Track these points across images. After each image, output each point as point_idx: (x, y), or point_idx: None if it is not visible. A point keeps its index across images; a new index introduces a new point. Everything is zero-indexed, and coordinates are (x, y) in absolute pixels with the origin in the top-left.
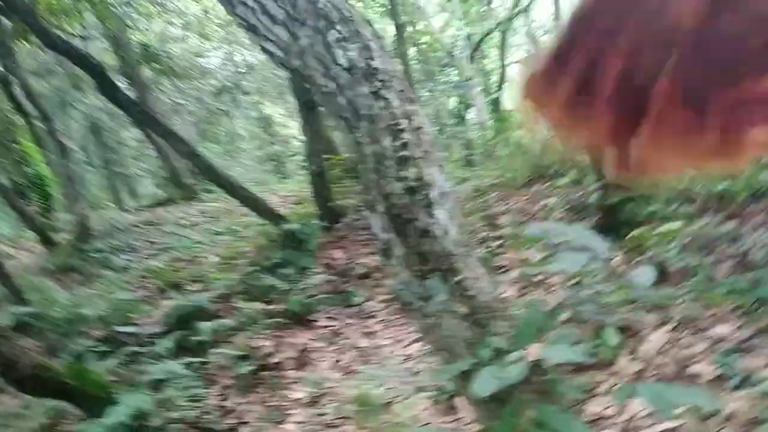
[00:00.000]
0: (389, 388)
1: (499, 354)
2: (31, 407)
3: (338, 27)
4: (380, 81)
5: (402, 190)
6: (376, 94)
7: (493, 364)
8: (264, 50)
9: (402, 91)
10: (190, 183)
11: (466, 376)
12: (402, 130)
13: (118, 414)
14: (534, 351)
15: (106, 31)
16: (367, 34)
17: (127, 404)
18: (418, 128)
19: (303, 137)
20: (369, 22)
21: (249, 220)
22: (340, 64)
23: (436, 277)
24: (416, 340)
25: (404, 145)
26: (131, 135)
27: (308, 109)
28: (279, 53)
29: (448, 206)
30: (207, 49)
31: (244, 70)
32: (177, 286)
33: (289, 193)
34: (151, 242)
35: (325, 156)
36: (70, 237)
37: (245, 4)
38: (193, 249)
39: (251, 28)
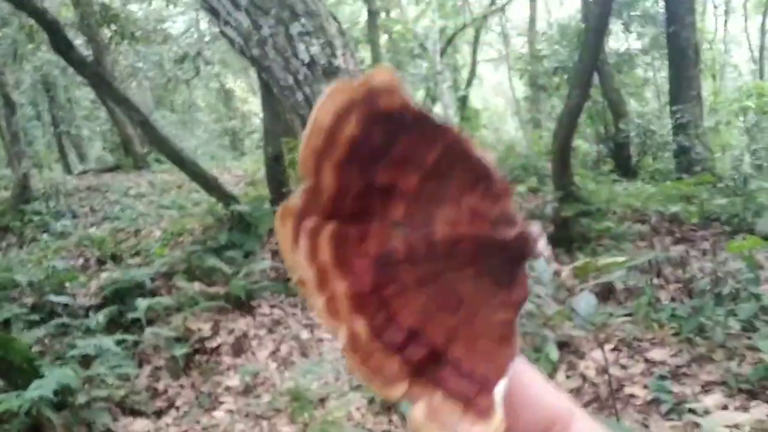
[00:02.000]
0: (325, 384)
1: None
2: None
3: (303, 20)
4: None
5: None
6: None
7: None
8: (224, 35)
9: None
10: (140, 152)
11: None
12: None
13: (43, 388)
14: None
15: None
16: (332, 30)
17: (53, 378)
18: None
19: (262, 117)
20: (335, 18)
21: (198, 197)
22: (300, 59)
23: None
24: None
25: None
26: (84, 95)
27: (270, 90)
28: (239, 40)
29: None
30: (171, 13)
31: (208, 39)
32: (116, 258)
33: (243, 172)
34: (94, 209)
35: (284, 139)
36: (8, 195)
37: None
38: (137, 221)
39: (212, 11)
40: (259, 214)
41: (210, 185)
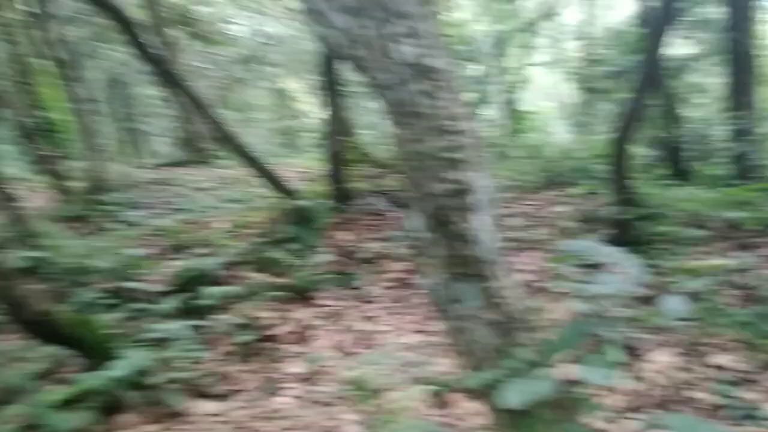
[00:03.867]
0: (386, 375)
1: (529, 366)
2: (33, 350)
3: (401, 20)
4: (435, 80)
5: (443, 191)
6: (428, 93)
7: (522, 376)
8: (320, 35)
9: (454, 92)
10: (205, 147)
11: (492, 382)
12: (449, 132)
13: (120, 368)
14: (566, 369)
15: None
16: (430, 30)
17: (129, 359)
18: (466, 131)
19: (323, 116)
20: (433, 18)
21: (260, 192)
22: (400, 59)
23: (469, 282)
24: (418, 331)
25: (450, 147)
26: (150, 92)
27: (331, 89)
28: (338, 40)
29: (490, 212)
30: (235, 16)
31: (270, 42)
32: (185, 248)
33: (301, 169)
34: (163, 201)
35: (342, 137)
36: (85, 186)
37: None
38: (203, 213)
39: (313, 11)
40: (319, 209)
41: (273, 180)
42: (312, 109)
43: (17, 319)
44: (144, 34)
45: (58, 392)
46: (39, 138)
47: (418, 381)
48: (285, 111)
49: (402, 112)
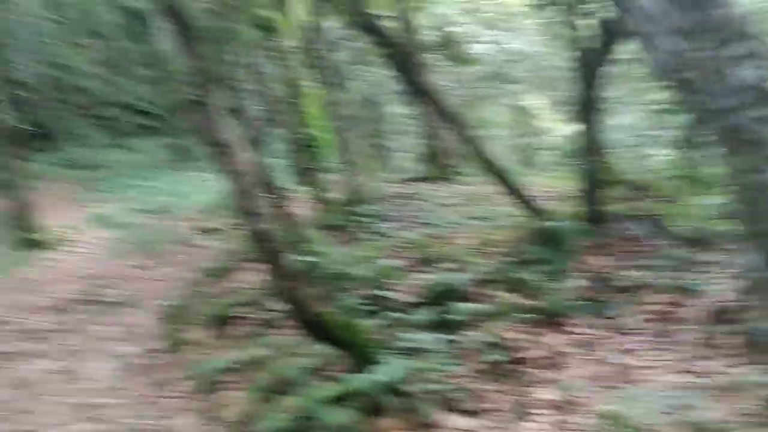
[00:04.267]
0: (649, 414)
1: None
2: (305, 347)
3: (741, 41)
4: None
5: None
6: (765, 120)
7: None
8: (649, 58)
9: None
10: (448, 163)
11: None
12: None
13: (382, 373)
14: None
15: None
16: (764, 54)
17: (390, 366)
18: None
19: (572, 133)
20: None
21: (506, 210)
22: (734, 82)
23: None
24: (685, 371)
25: None
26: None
27: (587, 106)
28: (664, 62)
29: None
30: (481, 34)
31: (513, 59)
32: (431, 261)
33: (544, 187)
34: (409, 215)
35: (596, 156)
36: (342, 198)
37: (644, 13)
38: (448, 228)
39: (643, 35)
40: (570, 231)
41: (522, 199)
42: (555, 126)
43: (297, 318)
44: (405, 55)
45: (327, 389)
46: (304, 153)
47: (686, 425)
48: (525, 128)
49: (737, 139)
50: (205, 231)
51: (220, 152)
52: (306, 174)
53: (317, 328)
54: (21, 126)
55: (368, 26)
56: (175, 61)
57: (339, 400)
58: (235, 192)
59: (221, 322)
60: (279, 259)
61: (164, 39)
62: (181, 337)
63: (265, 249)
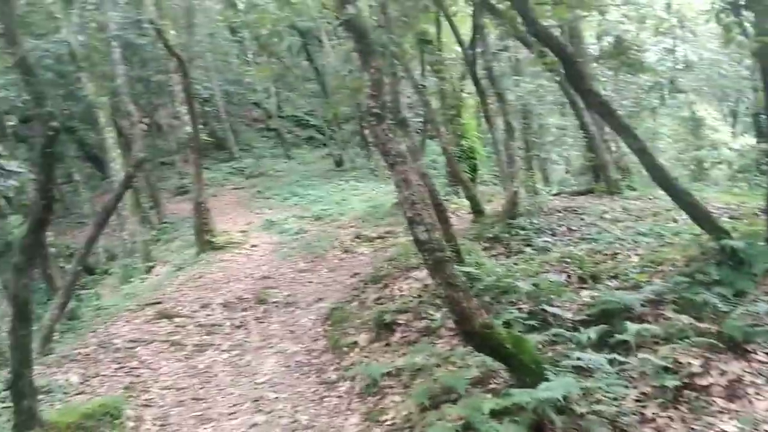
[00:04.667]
0: None
1: None
2: (466, 358)
3: None
4: None
5: None
6: None
7: None
8: None
9: None
10: (614, 177)
11: None
12: None
13: (551, 390)
14: None
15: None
16: None
17: (557, 383)
18: None
19: (757, 148)
20: None
21: (677, 227)
22: None
23: None
24: None
25: None
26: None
27: None
28: None
29: None
30: (651, 41)
31: (682, 67)
32: (595, 278)
33: (719, 204)
34: (571, 229)
35: None
36: (499, 210)
37: None
38: (613, 244)
39: None
40: (755, 252)
41: (699, 215)
42: (730, 139)
43: (461, 328)
44: (573, 64)
45: (491, 401)
46: (461, 164)
47: None
48: (697, 140)
49: None
50: (363, 238)
51: (392, 162)
52: (463, 185)
53: (481, 340)
54: (203, 137)
55: (537, 34)
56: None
57: (502, 413)
58: (404, 201)
59: (381, 327)
60: (445, 268)
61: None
62: (341, 340)
63: (431, 258)
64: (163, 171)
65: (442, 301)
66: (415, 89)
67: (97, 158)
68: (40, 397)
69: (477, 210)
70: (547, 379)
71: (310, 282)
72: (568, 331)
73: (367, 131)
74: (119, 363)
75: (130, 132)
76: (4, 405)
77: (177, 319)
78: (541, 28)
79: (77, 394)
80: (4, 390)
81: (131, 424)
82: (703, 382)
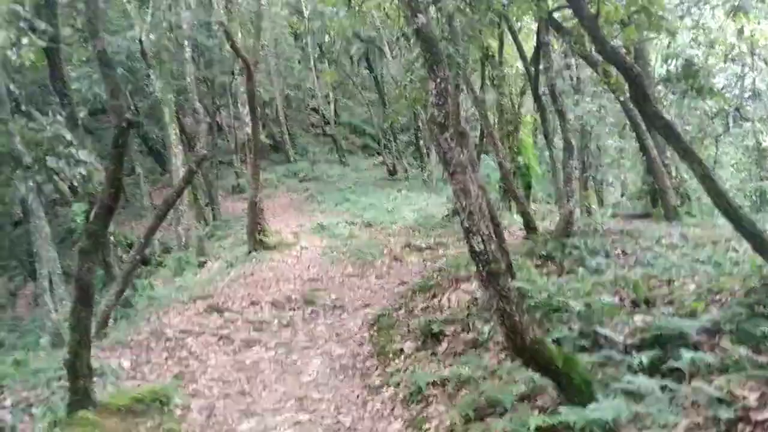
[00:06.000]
0: None
1: None
2: (513, 373)
3: None
4: None
5: None
6: None
7: None
8: None
9: None
10: (672, 203)
11: None
12: None
13: (600, 411)
14: None
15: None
16: None
17: (609, 405)
18: None
19: None
20: None
21: (737, 256)
22: None
23: None
24: None
25: None
26: (611, 143)
27: None
28: None
29: None
30: (715, 67)
31: (749, 95)
32: (649, 303)
33: None
34: (626, 252)
35: None
36: (552, 228)
37: None
38: (669, 271)
39: None
40: None
41: (762, 246)
42: None
43: (512, 342)
44: (640, 86)
45: (537, 417)
46: (515, 180)
47: None
48: (760, 171)
49: None
50: (413, 248)
51: (452, 171)
52: (517, 201)
53: (531, 355)
54: (262, 139)
55: (605, 53)
56: (401, 86)
57: (548, 431)
58: (462, 210)
59: (428, 336)
60: (498, 280)
61: (391, 65)
62: (387, 346)
63: (486, 269)
64: (221, 170)
65: (493, 313)
66: (474, 102)
67: (158, 153)
68: (93, 379)
69: (530, 227)
70: (596, 400)
71: (358, 287)
72: (621, 354)
73: (422, 142)
74: (169, 352)
75: (195, 129)
76: (59, 384)
77: (226, 314)
78: (609, 47)
79: (128, 379)
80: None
81: (179, 412)
82: (759, 417)
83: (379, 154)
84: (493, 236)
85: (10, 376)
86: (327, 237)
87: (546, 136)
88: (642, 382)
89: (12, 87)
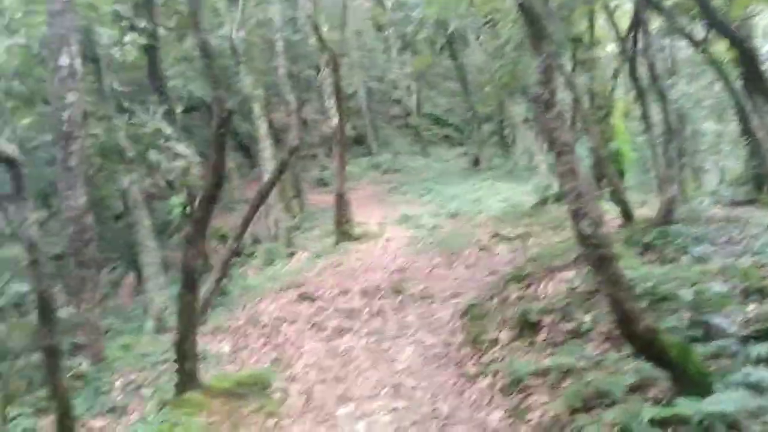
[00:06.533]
0: None
1: None
2: (619, 363)
3: None
4: None
5: None
6: None
7: None
8: None
9: None
10: None
11: None
12: None
13: (717, 404)
14: None
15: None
16: None
17: (729, 398)
18: None
19: None
20: None
21: None
22: None
23: None
24: None
25: None
26: (708, 128)
27: None
28: None
29: None
30: None
31: None
32: (762, 293)
33: None
34: (732, 240)
35: None
36: (650, 215)
37: None
38: None
39: None
40: None
41: None
42: None
43: (624, 330)
44: (755, 60)
45: (650, 409)
46: (608, 166)
47: None
48: None
49: None
50: (501, 237)
51: (559, 151)
52: (613, 187)
53: (644, 344)
54: (348, 133)
55: (716, 25)
56: (487, 73)
57: (662, 423)
58: (569, 192)
59: (524, 326)
60: (609, 266)
61: (475, 53)
62: (481, 336)
63: (595, 254)
64: (306, 163)
65: (605, 298)
66: (566, 85)
67: (247, 148)
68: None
69: (626, 214)
70: (713, 393)
71: (446, 277)
72: (735, 344)
73: (506, 131)
74: (266, 338)
75: (283, 123)
76: (165, 367)
77: (318, 303)
78: (721, 18)
79: (228, 363)
80: (167, 352)
81: (278, 395)
82: None
83: (461, 144)
84: (603, 219)
85: (120, 359)
86: (412, 228)
87: (645, 119)
88: (762, 374)
89: (115, 85)
